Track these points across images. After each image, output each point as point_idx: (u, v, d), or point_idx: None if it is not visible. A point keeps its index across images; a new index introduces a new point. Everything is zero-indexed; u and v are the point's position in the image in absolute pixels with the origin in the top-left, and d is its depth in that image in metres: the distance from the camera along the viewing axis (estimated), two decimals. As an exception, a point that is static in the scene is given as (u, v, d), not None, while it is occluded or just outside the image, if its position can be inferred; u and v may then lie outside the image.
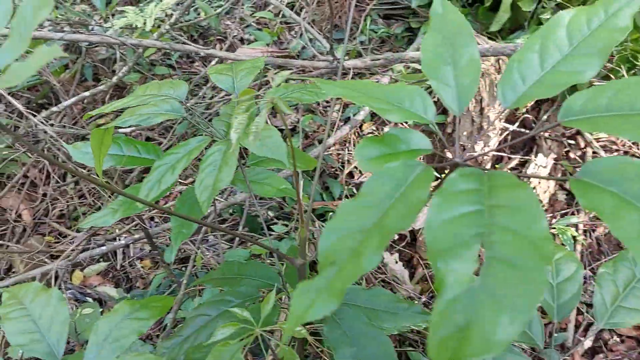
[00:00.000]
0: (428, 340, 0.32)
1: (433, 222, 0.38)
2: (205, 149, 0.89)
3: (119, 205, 0.98)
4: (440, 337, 0.32)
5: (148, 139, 2.52)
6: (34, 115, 1.97)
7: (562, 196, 1.99)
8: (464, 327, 0.31)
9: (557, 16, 0.55)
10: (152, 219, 2.15)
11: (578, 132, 2.10)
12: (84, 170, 2.28)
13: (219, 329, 0.71)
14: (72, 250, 1.70)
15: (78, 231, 2.10)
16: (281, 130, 2.14)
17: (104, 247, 1.69)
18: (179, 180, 2.09)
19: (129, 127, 1.97)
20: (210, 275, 0.96)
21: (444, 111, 2.14)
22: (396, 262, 1.85)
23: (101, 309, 1.85)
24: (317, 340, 1.40)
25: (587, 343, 1.59)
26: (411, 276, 1.87)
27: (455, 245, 0.36)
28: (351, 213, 0.43)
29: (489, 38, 2.15)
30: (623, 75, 1.67)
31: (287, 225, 1.93)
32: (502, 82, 0.55)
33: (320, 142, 2.32)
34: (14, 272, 2.01)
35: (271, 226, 2.00)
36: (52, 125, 2.22)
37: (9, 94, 2.65)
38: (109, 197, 2.20)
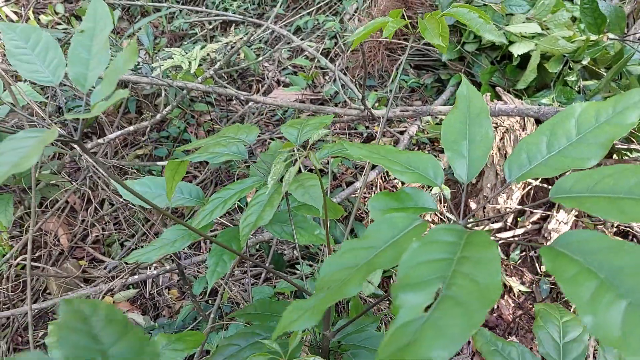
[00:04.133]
0: (378, 353, 0.40)
1: (407, 261, 0.46)
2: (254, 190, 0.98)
3: (162, 244, 1.07)
4: (386, 354, 0.39)
5: (182, 172, 2.63)
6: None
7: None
8: (406, 346, 0.38)
9: (570, 108, 0.62)
10: (183, 250, 2.24)
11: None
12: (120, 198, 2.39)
13: (251, 358, 0.78)
14: (109, 277, 1.79)
15: (112, 258, 2.20)
16: (310, 171, 2.24)
17: (136, 276, 1.78)
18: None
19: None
20: (244, 311, 1.04)
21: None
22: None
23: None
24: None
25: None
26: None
27: (418, 282, 0.43)
28: (350, 251, 0.53)
29: (515, 95, 2.23)
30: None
31: (311, 266, 1.99)
32: (510, 160, 0.63)
33: (348, 184, 2.40)
34: (48, 294, 2.11)
35: (295, 265, 2.07)
36: (95, 154, 2.35)
37: (55, 122, 2.81)
38: (142, 225, 2.31)
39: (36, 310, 1.88)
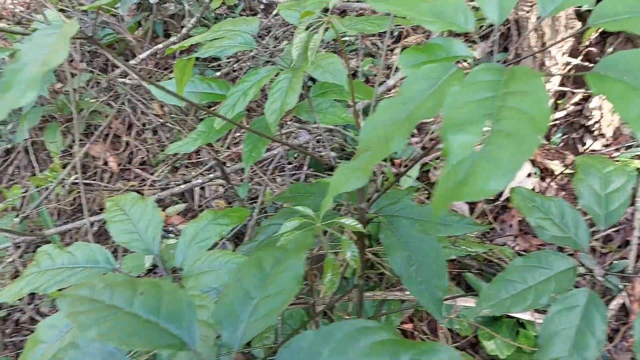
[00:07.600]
0: (434, 193, 0.40)
1: (451, 104, 0.45)
2: (271, 81, 0.98)
3: (198, 135, 1.11)
4: (443, 190, 0.40)
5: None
6: (119, 66, 2.13)
7: (627, 129, 1.96)
8: (462, 181, 0.39)
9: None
10: (224, 163, 2.31)
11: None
12: (160, 120, 2.46)
13: (286, 223, 0.83)
14: (159, 188, 1.88)
15: (160, 163, 2.29)
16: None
17: (182, 186, 1.86)
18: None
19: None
20: (283, 195, 1.08)
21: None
22: (456, 197, 1.91)
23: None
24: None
25: (648, 270, 1.61)
26: (471, 210, 1.93)
27: (465, 122, 0.43)
28: (388, 108, 0.52)
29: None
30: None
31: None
32: None
33: (380, 85, 2.37)
34: (102, 209, 2.23)
35: (333, 169, 2.11)
36: (129, 79, 2.40)
37: (88, 52, 2.86)
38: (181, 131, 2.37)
39: (94, 224, 2.01)
